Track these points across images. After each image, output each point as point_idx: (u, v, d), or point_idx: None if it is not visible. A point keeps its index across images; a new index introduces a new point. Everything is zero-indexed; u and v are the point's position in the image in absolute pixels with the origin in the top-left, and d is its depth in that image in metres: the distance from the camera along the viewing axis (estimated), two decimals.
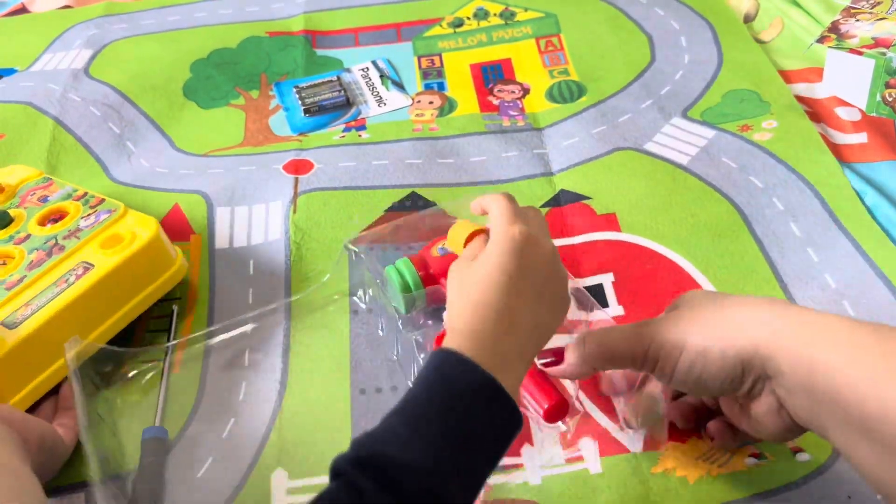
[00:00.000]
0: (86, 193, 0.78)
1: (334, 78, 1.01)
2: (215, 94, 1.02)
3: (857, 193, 0.78)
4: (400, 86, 1.00)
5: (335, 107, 0.97)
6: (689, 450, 0.60)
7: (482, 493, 0.58)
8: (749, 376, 0.48)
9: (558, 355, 0.55)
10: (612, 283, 0.73)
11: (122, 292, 0.69)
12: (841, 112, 0.87)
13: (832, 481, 0.57)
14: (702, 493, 0.57)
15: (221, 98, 1.01)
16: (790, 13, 1.03)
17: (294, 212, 0.82)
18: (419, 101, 0.97)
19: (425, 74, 1.02)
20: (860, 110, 0.87)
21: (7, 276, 0.69)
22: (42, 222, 0.76)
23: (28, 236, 0.74)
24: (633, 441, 0.61)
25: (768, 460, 0.59)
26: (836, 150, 0.83)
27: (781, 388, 0.48)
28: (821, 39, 0.92)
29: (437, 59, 1.05)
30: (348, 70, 1.04)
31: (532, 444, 0.62)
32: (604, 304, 0.71)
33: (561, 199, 0.82)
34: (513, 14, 1.11)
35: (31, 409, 0.64)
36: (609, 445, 0.61)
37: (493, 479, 0.60)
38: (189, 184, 0.87)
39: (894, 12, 0.92)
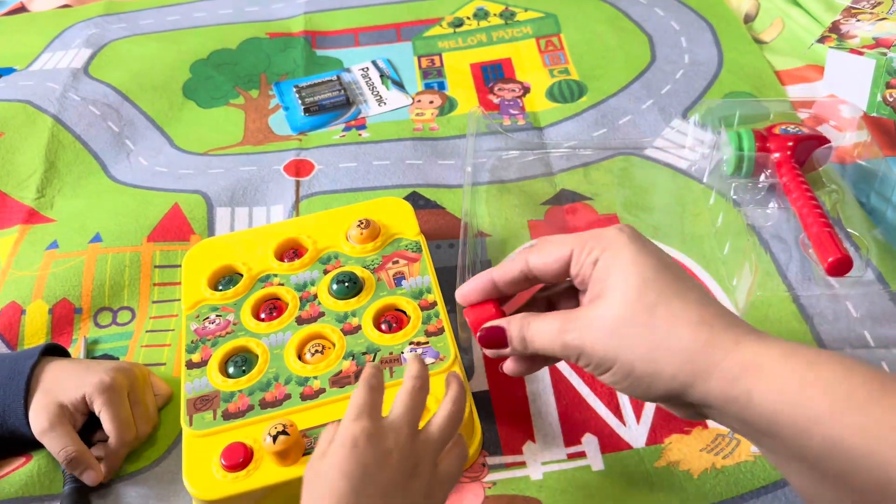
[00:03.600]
0: (434, 304, 0.66)
1: (334, 77, 1.01)
2: (215, 94, 1.01)
3: (859, 193, 0.78)
4: (400, 85, 1.00)
5: (335, 106, 0.97)
6: (693, 441, 0.60)
7: (483, 489, 0.58)
8: (676, 400, 0.46)
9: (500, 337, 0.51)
10: None
11: None
12: (842, 111, 0.87)
13: None
14: (706, 487, 0.57)
15: (221, 97, 1.01)
16: (791, 13, 1.03)
17: (297, 216, 0.82)
18: (419, 101, 0.97)
19: (425, 74, 1.02)
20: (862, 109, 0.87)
21: (317, 374, 0.62)
22: (377, 320, 0.66)
23: (358, 328, 0.66)
24: (635, 436, 0.61)
25: None
26: (838, 149, 0.83)
27: (711, 412, 0.45)
28: (821, 39, 0.91)
29: (437, 58, 1.05)
30: (348, 70, 1.04)
31: (534, 440, 0.61)
32: None
33: (562, 199, 0.82)
34: (513, 14, 1.11)
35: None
36: (611, 442, 0.61)
37: (495, 476, 0.59)
38: (189, 183, 0.87)
39: (895, 12, 0.92)
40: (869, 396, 0.39)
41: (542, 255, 0.49)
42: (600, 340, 0.46)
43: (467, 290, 0.52)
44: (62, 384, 0.61)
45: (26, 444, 0.62)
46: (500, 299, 0.53)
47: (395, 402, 0.50)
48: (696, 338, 0.43)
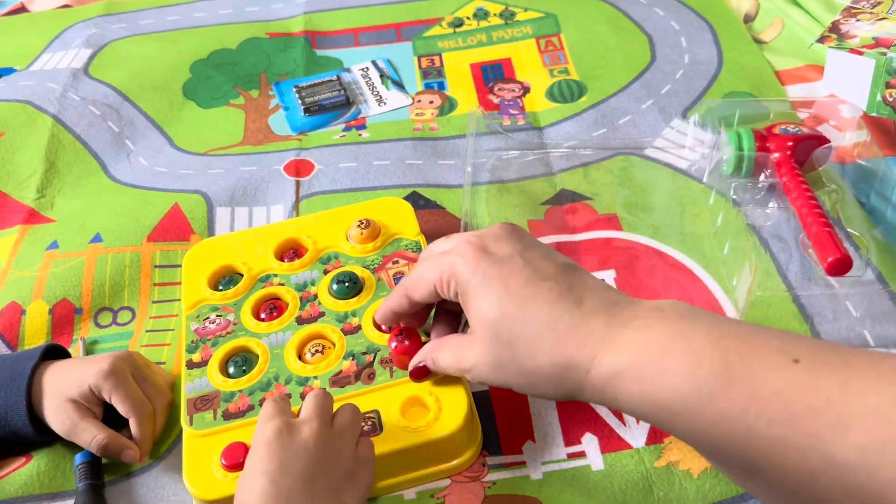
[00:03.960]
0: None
1: (334, 77, 1.01)
2: (215, 94, 1.01)
3: (859, 193, 0.78)
4: (400, 85, 1.00)
5: (335, 106, 0.97)
6: None
7: (483, 489, 0.58)
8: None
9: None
10: (614, 279, 0.73)
11: (387, 470, 0.58)
12: (842, 110, 0.87)
13: None
14: (706, 487, 0.57)
15: (221, 97, 1.01)
16: (790, 13, 1.03)
17: (297, 216, 0.82)
18: (419, 101, 0.97)
19: (425, 74, 1.02)
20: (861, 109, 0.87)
21: (317, 374, 0.62)
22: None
23: (358, 328, 0.66)
24: (635, 436, 0.61)
25: None
26: (838, 149, 0.83)
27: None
28: (821, 39, 0.92)
29: (437, 58, 1.05)
30: (348, 70, 1.04)
31: (534, 440, 0.61)
32: None
33: (562, 199, 0.82)
34: (513, 14, 1.11)
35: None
36: (611, 441, 0.61)
37: (495, 476, 0.59)
38: (189, 183, 0.87)
39: (895, 12, 0.92)
40: (713, 387, 0.42)
41: (416, 291, 0.55)
42: (490, 377, 0.52)
43: (379, 319, 0.60)
44: (66, 382, 0.61)
45: (27, 445, 0.63)
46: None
47: (302, 407, 0.54)
48: (555, 365, 0.48)
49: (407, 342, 0.60)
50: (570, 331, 0.47)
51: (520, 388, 0.51)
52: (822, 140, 0.79)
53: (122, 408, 0.61)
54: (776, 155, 0.77)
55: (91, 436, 0.60)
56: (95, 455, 0.61)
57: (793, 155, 0.77)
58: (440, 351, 0.56)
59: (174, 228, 0.81)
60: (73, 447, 0.62)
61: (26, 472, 0.62)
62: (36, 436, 0.61)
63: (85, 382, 0.61)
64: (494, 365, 0.50)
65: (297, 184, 0.86)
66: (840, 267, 0.63)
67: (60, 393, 0.61)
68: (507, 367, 0.50)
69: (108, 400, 0.61)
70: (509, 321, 0.49)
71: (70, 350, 0.69)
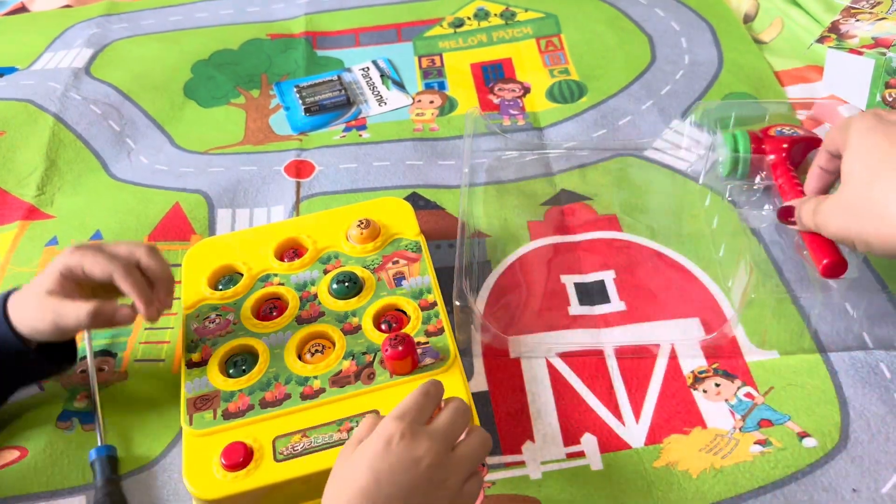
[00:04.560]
0: (434, 304, 0.67)
1: (335, 77, 1.01)
2: (216, 94, 1.02)
3: None
4: (400, 85, 1.00)
5: (336, 106, 0.97)
6: (692, 442, 0.60)
7: (482, 489, 0.58)
8: None
9: (789, 213, 0.65)
10: (614, 279, 0.73)
11: None
12: (841, 111, 0.87)
13: (837, 473, 0.57)
14: (705, 487, 0.57)
15: (222, 97, 1.01)
16: (790, 13, 1.03)
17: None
18: (420, 101, 0.97)
19: (426, 74, 1.02)
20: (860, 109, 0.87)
21: (317, 373, 0.63)
22: (377, 320, 0.67)
23: (357, 328, 0.66)
24: (634, 436, 0.61)
25: (774, 447, 0.59)
26: None
27: None
28: (821, 39, 0.92)
29: (437, 58, 1.05)
30: (349, 70, 1.04)
31: (533, 440, 0.61)
32: (605, 299, 0.71)
33: (562, 199, 0.82)
34: (513, 14, 1.11)
35: None
36: (610, 441, 0.61)
37: (494, 476, 0.59)
38: (189, 183, 0.87)
39: (894, 12, 0.93)
40: None
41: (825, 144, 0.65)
42: (838, 223, 0.58)
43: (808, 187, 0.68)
44: (33, 287, 0.60)
45: (28, 374, 0.63)
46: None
47: (439, 416, 0.52)
48: None
49: (401, 347, 0.60)
50: None
51: (865, 238, 0.55)
52: (817, 141, 0.79)
53: (98, 269, 0.59)
54: (771, 157, 0.77)
55: (77, 308, 0.58)
56: (110, 449, 0.61)
57: (788, 156, 0.77)
58: (804, 204, 0.63)
59: (175, 228, 0.81)
60: (74, 446, 0.62)
61: (19, 468, 0.61)
62: (19, 344, 0.60)
63: (54, 271, 0.59)
64: (845, 209, 0.57)
65: (298, 185, 0.86)
66: (834, 269, 0.63)
67: (34, 295, 0.59)
68: (864, 213, 0.55)
69: (82, 272, 0.59)
70: (883, 163, 0.54)
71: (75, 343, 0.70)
